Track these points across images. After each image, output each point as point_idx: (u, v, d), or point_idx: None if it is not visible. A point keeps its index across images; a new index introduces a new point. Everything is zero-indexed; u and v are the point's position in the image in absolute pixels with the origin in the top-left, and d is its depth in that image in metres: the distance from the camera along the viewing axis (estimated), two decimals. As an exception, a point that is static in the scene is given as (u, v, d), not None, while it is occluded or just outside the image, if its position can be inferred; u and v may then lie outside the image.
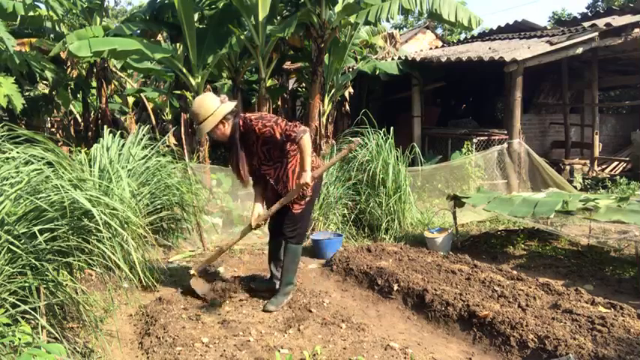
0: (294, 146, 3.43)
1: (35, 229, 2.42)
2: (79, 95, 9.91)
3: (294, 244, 3.62)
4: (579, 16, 10.36)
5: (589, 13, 10.85)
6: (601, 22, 7.90)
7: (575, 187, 7.87)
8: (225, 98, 3.47)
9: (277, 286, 3.72)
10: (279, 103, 11.47)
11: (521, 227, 5.65)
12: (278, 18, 7.90)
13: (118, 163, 4.18)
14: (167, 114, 11.62)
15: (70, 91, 9.33)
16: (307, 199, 3.57)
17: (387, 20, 6.98)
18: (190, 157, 6.63)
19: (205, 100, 3.40)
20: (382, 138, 5.81)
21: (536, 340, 2.79)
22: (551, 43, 7.64)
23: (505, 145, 7.30)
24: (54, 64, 8.07)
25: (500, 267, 4.28)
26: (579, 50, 7.64)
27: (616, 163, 10.20)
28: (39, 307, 2.34)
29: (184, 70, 6.94)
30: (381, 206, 5.59)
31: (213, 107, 3.34)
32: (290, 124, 3.34)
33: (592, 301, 3.31)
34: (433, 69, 9.32)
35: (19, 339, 2.08)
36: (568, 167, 9.20)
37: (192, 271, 3.84)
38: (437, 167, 7.01)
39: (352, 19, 6.97)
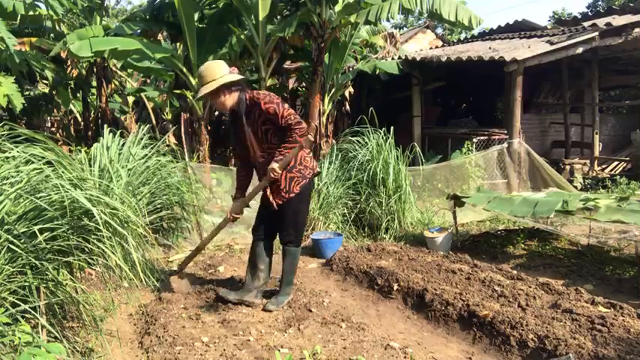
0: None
1: (35, 228, 2.42)
2: (79, 95, 9.90)
3: (293, 247, 3.56)
4: (579, 16, 10.35)
5: (589, 13, 10.84)
6: (601, 22, 7.90)
7: (576, 187, 7.86)
8: (235, 70, 3.42)
9: (250, 297, 3.55)
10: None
11: (521, 227, 5.65)
12: (278, 17, 7.91)
13: (118, 162, 4.18)
14: (167, 113, 11.61)
15: (70, 90, 9.33)
16: (292, 195, 3.40)
17: (387, 20, 6.98)
18: (190, 156, 6.63)
19: (213, 65, 3.38)
20: (382, 137, 5.81)
21: (536, 339, 2.79)
22: (552, 43, 7.63)
23: (505, 144, 7.29)
24: (54, 63, 8.07)
25: (500, 267, 4.28)
26: (579, 50, 7.63)
27: (616, 162, 10.19)
28: (39, 306, 2.34)
29: (184, 70, 6.94)
30: (381, 206, 5.59)
31: (218, 74, 3.30)
32: (293, 113, 3.30)
33: (592, 301, 3.31)
34: (433, 69, 9.30)
35: (19, 338, 2.08)
36: (568, 167, 9.19)
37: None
38: (437, 167, 7.00)
39: (352, 18, 6.96)
